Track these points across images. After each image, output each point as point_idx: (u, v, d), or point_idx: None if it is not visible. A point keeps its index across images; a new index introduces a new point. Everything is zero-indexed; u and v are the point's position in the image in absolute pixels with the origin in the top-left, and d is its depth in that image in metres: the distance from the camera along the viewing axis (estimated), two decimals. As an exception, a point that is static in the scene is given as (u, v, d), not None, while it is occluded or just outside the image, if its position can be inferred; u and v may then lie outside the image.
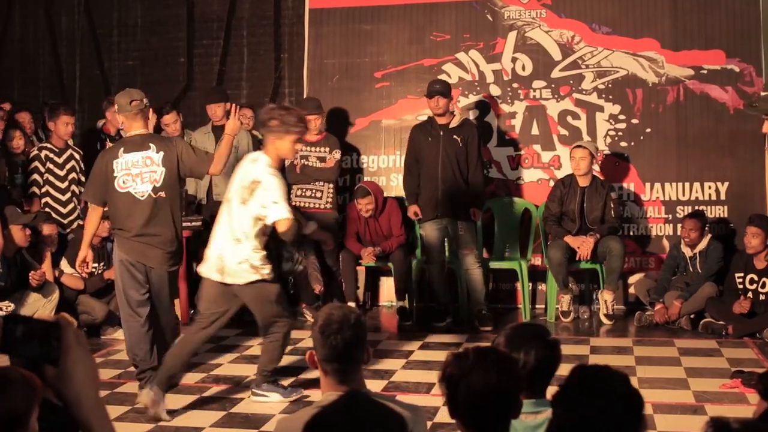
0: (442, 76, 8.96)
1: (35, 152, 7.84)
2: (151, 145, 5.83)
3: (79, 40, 10.16)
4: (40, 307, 7.13)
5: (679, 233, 8.22)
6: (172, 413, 5.53)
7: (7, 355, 1.85)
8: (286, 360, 6.79)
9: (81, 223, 7.88)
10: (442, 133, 7.91)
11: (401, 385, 6.00)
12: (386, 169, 9.15)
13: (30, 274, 7.22)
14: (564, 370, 5.89)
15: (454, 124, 7.94)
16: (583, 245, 7.88)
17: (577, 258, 7.95)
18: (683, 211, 8.45)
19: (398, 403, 3.03)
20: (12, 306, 6.99)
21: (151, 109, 6.05)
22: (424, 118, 8.94)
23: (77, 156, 8.01)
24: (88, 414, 1.82)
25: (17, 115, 8.37)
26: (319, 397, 3.33)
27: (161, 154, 5.81)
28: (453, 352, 2.82)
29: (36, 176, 7.81)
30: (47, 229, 7.46)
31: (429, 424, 4.75)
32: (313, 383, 6.06)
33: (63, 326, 1.80)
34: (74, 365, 1.79)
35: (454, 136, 7.89)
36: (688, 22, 8.69)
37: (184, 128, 8.77)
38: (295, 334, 7.60)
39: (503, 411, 2.68)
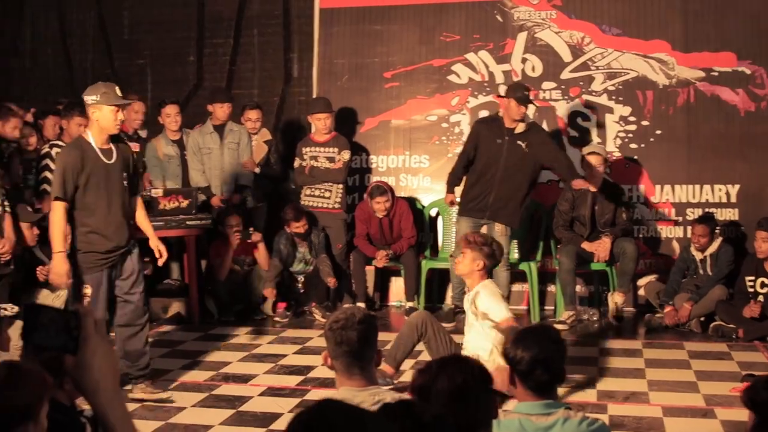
0: (452, 77, 8.97)
1: (46, 150, 7.82)
2: None
3: (90, 39, 10.19)
4: (48, 302, 7.14)
5: (689, 235, 8.20)
6: (182, 410, 5.55)
7: (27, 344, 1.85)
8: (295, 360, 6.81)
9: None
10: (507, 138, 7.66)
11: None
12: (395, 169, 9.15)
13: (38, 269, 7.24)
14: (572, 372, 5.90)
15: (520, 129, 7.68)
16: (599, 247, 7.87)
17: (595, 260, 7.93)
18: (693, 213, 8.42)
19: None
20: (16, 308, 6.99)
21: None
22: (434, 118, 8.96)
23: (88, 154, 7.99)
24: (105, 404, 1.82)
25: (42, 120, 8.31)
26: (328, 395, 3.34)
27: None
28: (418, 367, 2.88)
29: (47, 174, 7.80)
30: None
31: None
32: (324, 383, 6.07)
33: (82, 315, 1.80)
34: (93, 355, 1.79)
35: (519, 142, 7.65)
36: (699, 24, 8.67)
37: (182, 127, 8.76)
38: (303, 333, 7.67)
39: (476, 412, 2.69)
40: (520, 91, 7.62)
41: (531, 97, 7.72)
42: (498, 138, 7.68)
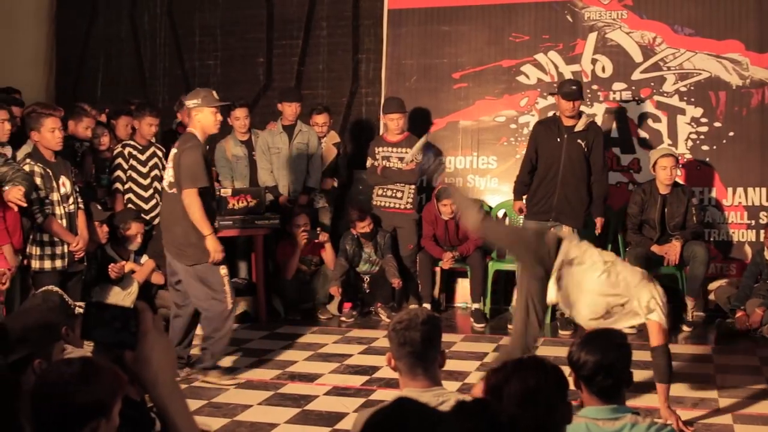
0: (521, 78, 8.92)
1: (119, 149, 7.98)
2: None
3: (162, 40, 10.35)
4: (119, 299, 7.28)
5: (761, 239, 8.03)
6: (248, 408, 5.61)
7: (87, 340, 1.90)
8: (360, 360, 6.83)
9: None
10: (566, 136, 7.61)
11: (475, 387, 5.97)
12: (463, 170, 9.12)
13: (109, 267, 7.39)
14: (639, 376, 5.81)
15: (579, 127, 7.61)
16: (670, 250, 7.75)
17: (665, 264, 7.81)
18: (767, 216, 8.25)
19: None
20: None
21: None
22: (503, 119, 8.92)
23: (160, 153, 8.13)
24: (165, 397, 1.86)
25: (115, 120, 8.47)
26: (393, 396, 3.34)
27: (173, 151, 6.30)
28: (492, 366, 2.86)
29: (119, 173, 7.96)
30: (134, 228, 7.59)
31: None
32: (389, 383, 6.08)
33: (140, 311, 1.83)
34: (151, 349, 1.83)
35: (578, 141, 7.60)
36: (775, 24, 8.49)
37: (251, 128, 8.86)
38: (369, 333, 7.68)
39: (549, 416, 2.66)
40: (567, 86, 7.59)
41: (580, 92, 7.61)
42: (556, 137, 7.64)
